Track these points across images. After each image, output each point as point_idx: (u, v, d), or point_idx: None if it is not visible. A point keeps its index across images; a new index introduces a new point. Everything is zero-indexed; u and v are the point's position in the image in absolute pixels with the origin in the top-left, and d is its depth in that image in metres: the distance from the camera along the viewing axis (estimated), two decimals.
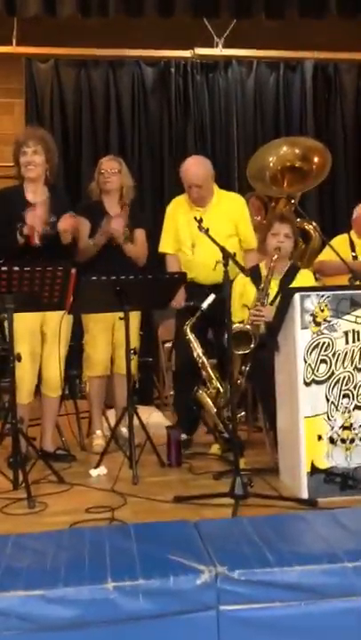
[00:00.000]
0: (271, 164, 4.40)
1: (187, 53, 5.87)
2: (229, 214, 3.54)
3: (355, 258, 3.88)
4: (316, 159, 4.37)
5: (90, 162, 5.62)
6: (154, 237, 3.67)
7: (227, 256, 2.60)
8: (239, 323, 3.06)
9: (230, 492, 2.49)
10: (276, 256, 3.11)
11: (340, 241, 3.80)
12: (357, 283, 3.32)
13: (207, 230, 2.84)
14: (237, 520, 2.09)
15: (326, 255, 3.86)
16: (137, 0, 4.95)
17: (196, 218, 2.87)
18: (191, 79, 5.89)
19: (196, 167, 3.53)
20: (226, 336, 2.78)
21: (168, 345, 5.00)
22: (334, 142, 5.78)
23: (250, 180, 4.45)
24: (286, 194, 4.28)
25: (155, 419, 3.92)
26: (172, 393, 4.75)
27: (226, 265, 2.57)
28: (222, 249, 2.66)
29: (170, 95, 5.87)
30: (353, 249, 3.98)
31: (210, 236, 2.80)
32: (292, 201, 3.94)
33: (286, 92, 5.99)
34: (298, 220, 3.98)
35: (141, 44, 5.78)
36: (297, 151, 4.43)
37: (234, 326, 2.91)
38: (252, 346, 3.00)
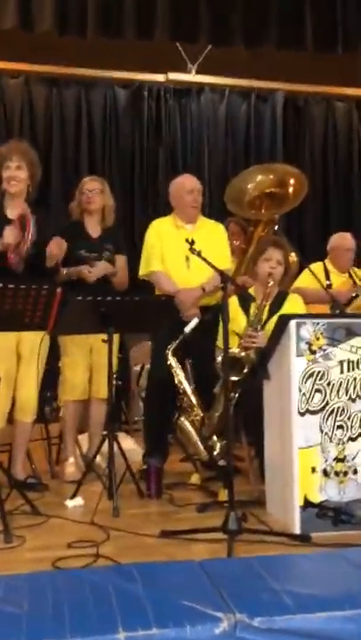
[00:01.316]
0: (249, 190, 4.42)
1: (160, 77, 5.88)
2: (213, 238, 3.50)
3: (329, 286, 3.91)
4: (292, 182, 4.41)
5: (58, 181, 5.52)
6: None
7: (226, 279, 2.52)
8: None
9: (223, 527, 2.37)
10: (271, 282, 3.08)
11: (315, 269, 3.81)
12: (337, 312, 3.31)
13: (200, 252, 2.77)
14: (246, 560, 1.96)
15: (303, 281, 3.87)
16: (116, 22, 4.90)
17: (187, 240, 2.80)
18: (164, 103, 5.90)
19: (192, 178, 3.62)
20: (218, 361, 2.69)
21: (137, 369, 4.88)
22: (302, 171, 5.86)
23: (228, 203, 4.45)
24: (265, 217, 4.29)
25: (126, 445, 3.77)
26: (137, 418, 4.64)
27: (225, 289, 2.49)
28: (221, 272, 2.59)
29: (142, 118, 5.86)
30: (328, 277, 4.03)
31: (203, 258, 2.73)
32: (275, 227, 3.94)
33: (257, 120, 6.08)
34: None
35: (115, 66, 5.76)
36: (272, 177, 4.47)
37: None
38: (245, 371, 2.92)
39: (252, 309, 3.12)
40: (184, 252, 3.36)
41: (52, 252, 3.03)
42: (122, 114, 5.84)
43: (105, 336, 2.97)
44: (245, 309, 3.16)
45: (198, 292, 3.36)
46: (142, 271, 3.52)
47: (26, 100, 5.61)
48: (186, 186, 3.51)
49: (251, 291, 3.26)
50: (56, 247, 3.04)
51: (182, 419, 3.21)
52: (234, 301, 3.19)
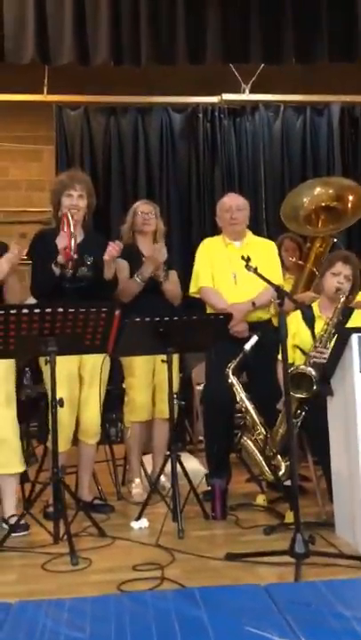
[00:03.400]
0: (305, 204, 4.38)
1: (214, 99, 5.94)
2: (262, 255, 3.47)
3: None
4: (351, 198, 4.32)
5: (118, 207, 5.63)
6: (182, 280, 3.64)
7: (282, 295, 2.48)
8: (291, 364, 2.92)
9: (290, 551, 2.30)
10: (343, 297, 3.00)
11: None
12: None
13: (256, 269, 2.74)
14: (312, 585, 1.89)
15: None
16: (169, 49, 4.99)
17: (243, 257, 2.78)
18: (219, 124, 5.94)
19: (234, 196, 3.67)
20: (279, 378, 2.64)
21: (200, 388, 4.86)
22: None
23: (284, 219, 4.41)
24: (322, 233, 4.22)
25: (191, 466, 3.74)
26: (201, 438, 4.60)
27: (281, 305, 2.46)
28: (278, 288, 2.55)
29: (198, 140, 5.92)
30: None
31: (260, 274, 2.71)
32: (335, 240, 3.86)
33: (313, 134, 6.01)
34: None
35: (169, 91, 5.87)
36: (331, 191, 4.40)
37: (292, 368, 2.77)
38: (315, 389, 2.85)
39: (318, 325, 3.06)
40: (231, 268, 3.39)
41: (106, 257, 3.09)
42: (178, 137, 5.93)
43: (164, 356, 2.98)
44: (309, 325, 3.10)
45: (248, 306, 3.34)
46: (192, 288, 3.56)
47: (85, 129, 5.79)
48: (225, 204, 3.57)
49: (314, 306, 3.19)
50: (110, 250, 3.09)
51: (245, 438, 3.16)
52: (297, 316, 3.13)
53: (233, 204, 3.54)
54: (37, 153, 6.15)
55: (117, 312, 2.82)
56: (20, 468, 2.96)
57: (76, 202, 3.18)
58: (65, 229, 3.08)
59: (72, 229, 3.07)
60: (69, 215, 3.10)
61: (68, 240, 3.03)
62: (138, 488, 3.37)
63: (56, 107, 5.70)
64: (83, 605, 1.70)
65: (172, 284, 3.50)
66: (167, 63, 5.08)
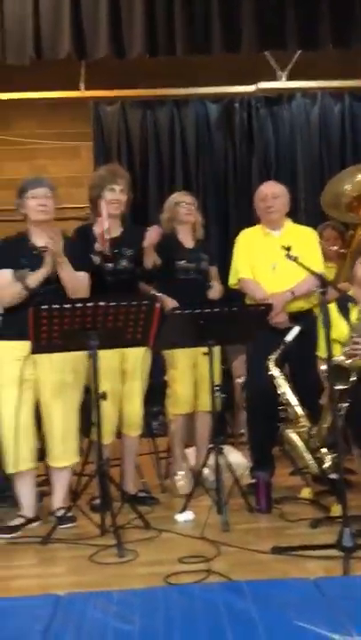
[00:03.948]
0: (347, 191, 4.29)
1: (250, 88, 5.86)
2: (302, 243, 3.41)
3: None
4: None
5: (155, 200, 5.63)
6: (221, 272, 3.62)
7: (325, 283, 2.44)
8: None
9: (338, 544, 2.26)
10: None
11: None
12: None
13: (296, 258, 2.71)
14: None
15: None
16: (204, 38, 4.95)
17: (284, 246, 2.74)
18: (255, 113, 5.87)
19: (270, 184, 3.62)
20: (322, 369, 2.59)
21: (240, 380, 4.84)
22: None
23: (325, 207, 4.33)
24: None
25: (234, 458, 3.72)
26: (242, 431, 4.57)
27: (324, 293, 2.41)
28: (320, 277, 2.51)
29: (234, 130, 5.88)
30: None
31: (300, 263, 2.66)
32: None
33: (352, 121, 5.89)
34: None
35: (205, 83, 5.82)
36: None
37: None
38: (352, 379, 2.80)
39: (354, 315, 2.99)
40: (271, 258, 3.34)
41: (146, 243, 3.09)
42: (214, 128, 5.89)
43: (205, 349, 2.97)
44: (345, 315, 3.04)
45: (288, 296, 3.29)
46: (232, 280, 3.53)
47: (122, 124, 5.81)
48: (261, 193, 3.52)
49: (351, 295, 3.13)
50: (150, 236, 3.10)
51: (288, 430, 3.13)
52: (333, 308, 3.08)
53: (268, 192, 3.49)
54: (76, 150, 6.20)
55: (157, 305, 2.82)
56: (74, 460, 2.99)
57: (118, 196, 3.19)
58: (100, 216, 3.08)
59: (106, 214, 3.07)
60: (103, 202, 3.10)
61: (102, 227, 3.04)
62: (182, 480, 3.37)
63: (93, 103, 5.74)
64: (131, 598, 1.71)
65: (216, 293, 3.49)
66: (202, 53, 5.03)
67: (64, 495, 2.98)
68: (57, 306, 2.63)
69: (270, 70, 5.65)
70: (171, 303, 3.28)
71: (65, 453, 2.94)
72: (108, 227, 3.05)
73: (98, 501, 2.88)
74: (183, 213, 3.52)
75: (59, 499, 2.96)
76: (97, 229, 3.13)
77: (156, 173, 5.78)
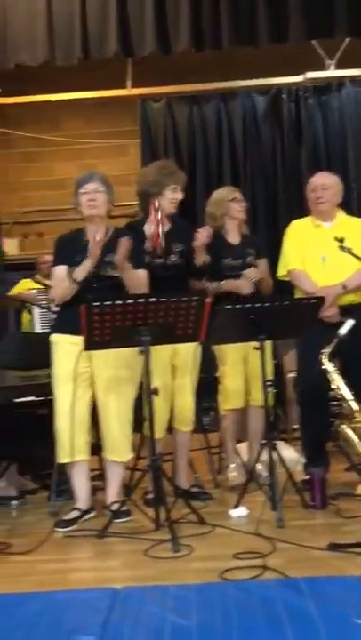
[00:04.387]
0: None
1: (298, 78, 5.77)
2: (355, 235, 3.33)
3: None
4: None
5: (202, 195, 5.61)
6: (270, 264, 3.57)
7: None
8: None
9: None
10: None
11: None
12: None
13: (350, 249, 2.65)
14: None
15: None
16: (250, 29, 4.89)
17: (337, 237, 2.68)
18: (304, 103, 5.79)
19: (322, 175, 3.53)
20: None
21: (292, 375, 4.78)
22: None
23: None
24: None
25: (287, 454, 3.68)
26: (295, 426, 4.52)
27: None
28: None
29: (282, 121, 5.82)
30: None
31: (355, 255, 2.60)
32: None
33: None
34: None
35: (251, 75, 5.77)
36: None
37: None
38: None
39: None
40: (320, 250, 3.28)
41: (196, 244, 3.08)
42: (261, 120, 5.84)
43: (256, 343, 2.94)
44: None
45: (339, 289, 3.22)
46: (281, 271, 3.47)
47: (169, 120, 5.83)
48: (311, 184, 3.44)
49: None
50: (206, 235, 3.08)
51: (343, 426, 3.06)
52: None
53: (318, 183, 3.41)
54: (123, 148, 6.25)
55: (208, 300, 2.81)
56: (128, 456, 3.03)
57: (179, 195, 3.20)
58: (153, 217, 3.09)
59: (159, 217, 3.08)
60: (157, 203, 3.11)
61: (157, 228, 3.05)
62: (234, 471, 3.36)
63: (140, 100, 5.76)
64: (187, 593, 1.71)
65: (265, 283, 3.46)
66: (249, 44, 4.99)
67: (118, 489, 3.01)
68: (108, 303, 2.66)
69: (318, 59, 5.55)
70: (242, 283, 3.27)
71: (120, 448, 2.97)
72: (162, 232, 3.05)
73: (151, 496, 2.90)
74: (237, 210, 3.50)
75: (113, 493, 3.00)
76: (150, 229, 3.12)
77: (204, 167, 5.78)
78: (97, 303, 2.64)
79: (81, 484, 2.96)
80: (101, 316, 2.66)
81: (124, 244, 2.85)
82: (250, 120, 5.81)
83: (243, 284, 3.34)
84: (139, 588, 1.89)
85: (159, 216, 3.09)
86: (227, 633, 1.48)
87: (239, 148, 5.80)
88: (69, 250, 2.99)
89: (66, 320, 2.94)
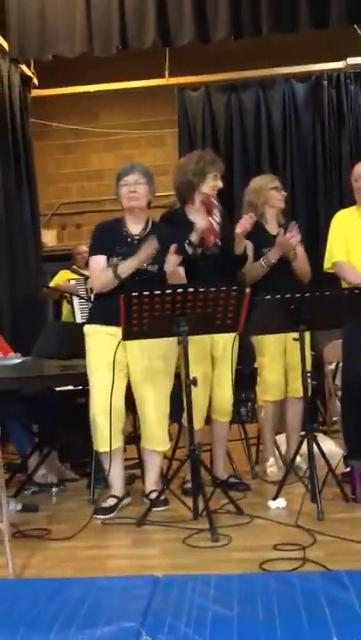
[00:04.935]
0: None
1: (339, 64, 5.66)
2: None
3: None
4: None
5: (240, 183, 5.57)
6: (309, 254, 3.51)
7: None
8: None
9: None
10: None
11: None
12: None
13: None
14: None
15: None
16: (290, 15, 4.79)
17: None
18: (345, 90, 5.67)
19: None
20: None
21: (332, 367, 4.71)
22: None
23: None
24: None
25: (326, 446, 3.63)
26: (335, 418, 4.45)
27: None
28: None
29: (322, 108, 5.72)
30: None
31: None
32: None
33: None
34: None
35: (291, 61, 5.68)
36: None
37: None
38: None
39: None
40: None
41: (238, 230, 3.07)
42: (301, 107, 5.76)
43: (296, 334, 2.91)
44: None
45: None
46: (327, 264, 3.39)
47: (207, 109, 5.79)
48: (354, 172, 3.33)
49: None
50: (249, 223, 3.08)
51: None
52: None
53: None
54: (160, 138, 6.24)
55: (247, 290, 2.79)
56: (166, 446, 3.04)
57: (220, 183, 3.19)
58: (207, 213, 3.08)
59: (215, 214, 3.09)
60: (206, 195, 3.11)
61: (212, 225, 3.04)
62: (273, 467, 3.34)
63: (178, 89, 5.74)
64: (229, 583, 1.70)
65: (301, 262, 3.40)
66: (289, 31, 4.89)
67: (156, 478, 3.03)
68: (147, 292, 2.66)
69: (360, 45, 5.43)
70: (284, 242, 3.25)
71: (157, 438, 2.98)
72: (218, 228, 3.05)
73: (189, 485, 2.90)
74: (277, 198, 3.46)
75: (151, 481, 3.01)
76: (201, 223, 3.07)
77: (242, 156, 5.73)
78: (135, 293, 2.65)
79: (116, 472, 2.98)
80: (140, 306, 2.67)
81: (151, 245, 2.86)
82: (289, 108, 5.73)
83: (285, 242, 3.27)
84: (180, 576, 1.89)
85: (215, 211, 3.08)
86: (269, 624, 1.47)
87: (278, 136, 5.74)
88: (109, 239, 3.00)
89: (103, 310, 2.96)
